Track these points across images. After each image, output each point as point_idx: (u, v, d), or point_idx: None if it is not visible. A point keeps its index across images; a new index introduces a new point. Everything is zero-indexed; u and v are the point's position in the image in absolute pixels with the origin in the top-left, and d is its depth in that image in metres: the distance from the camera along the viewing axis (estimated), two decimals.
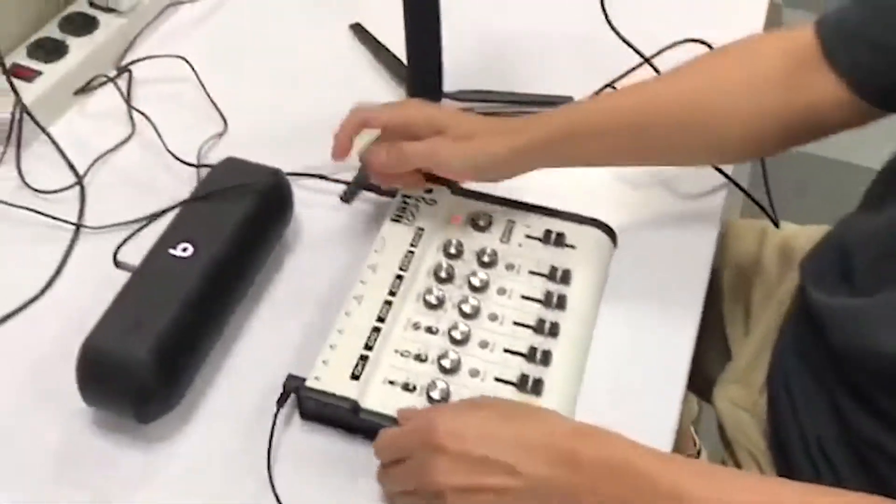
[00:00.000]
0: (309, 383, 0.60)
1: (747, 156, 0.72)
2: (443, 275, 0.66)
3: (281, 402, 0.60)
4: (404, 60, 0.81)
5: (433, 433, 0.52)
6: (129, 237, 0.68)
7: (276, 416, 0.60)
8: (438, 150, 0.65)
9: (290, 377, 0.61)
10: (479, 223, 0.70)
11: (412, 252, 0.68)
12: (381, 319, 0.63)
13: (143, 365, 0.57)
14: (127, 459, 0.60)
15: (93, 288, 0.65)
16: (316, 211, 0.75)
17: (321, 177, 0.76)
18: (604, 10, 0.78)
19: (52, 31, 0.87)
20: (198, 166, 0.78)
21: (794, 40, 0.64)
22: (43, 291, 0.70)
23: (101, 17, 0.88)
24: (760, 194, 0.79)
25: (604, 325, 0.67)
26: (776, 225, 0.80)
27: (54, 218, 0.74)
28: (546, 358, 0.62)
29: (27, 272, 0.71)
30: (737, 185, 0.77)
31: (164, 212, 0.70)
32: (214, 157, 0.78)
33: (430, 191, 0.72)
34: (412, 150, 0.66)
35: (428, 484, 0.52)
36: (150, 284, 0.62)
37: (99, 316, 0.60)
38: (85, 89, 0.85)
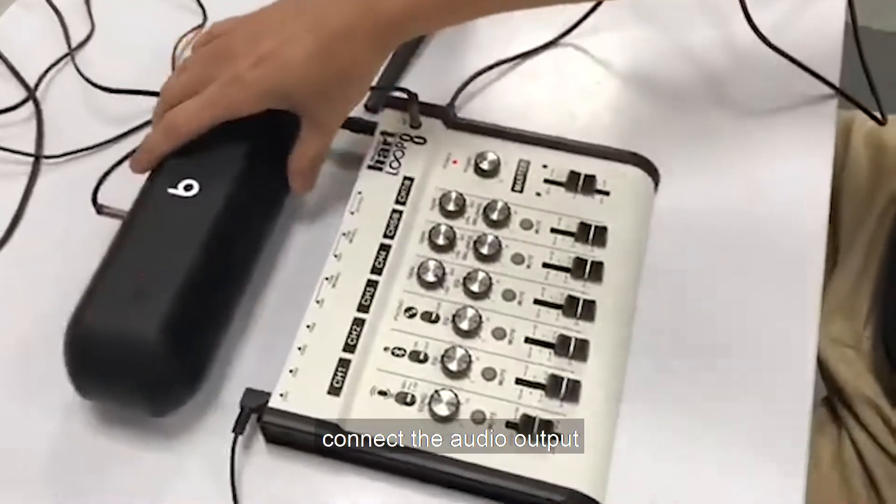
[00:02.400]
0: (273, 403, 0.46)
1: None
2: (441, 241, 0.51)
3: (239, 428, 0.46)
4: None
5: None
6: (111, 170, 0.53)
7: (234, 444, 0.46)
8: (234, 99, 0.49)
9: (249, 393, 0.46)
10: (483, 167, 0.54)
11: (399, 212, 0.52)
12: (363, 308, 0.49)
13: (155, 346, 0.44)
14: (139, 459, 0.48)
15: (64, 238, 0.54)
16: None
17: None
18: None
19: None
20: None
21: None
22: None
23: None
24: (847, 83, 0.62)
25: (647, 298, 0.52)
26: (882, 121, 0.63)
27: (3, 149, 0.58)
28: (581, 350, 0.48)
29: None
30: (831, 85, 0.61)
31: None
32: None
33: (417, 125, 0.56)
34: (194, 123, 0.49)
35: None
36: (148, 237, 0.48)
37: (83, 279, 0.46)
38: None
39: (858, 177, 0.69)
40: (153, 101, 0.60)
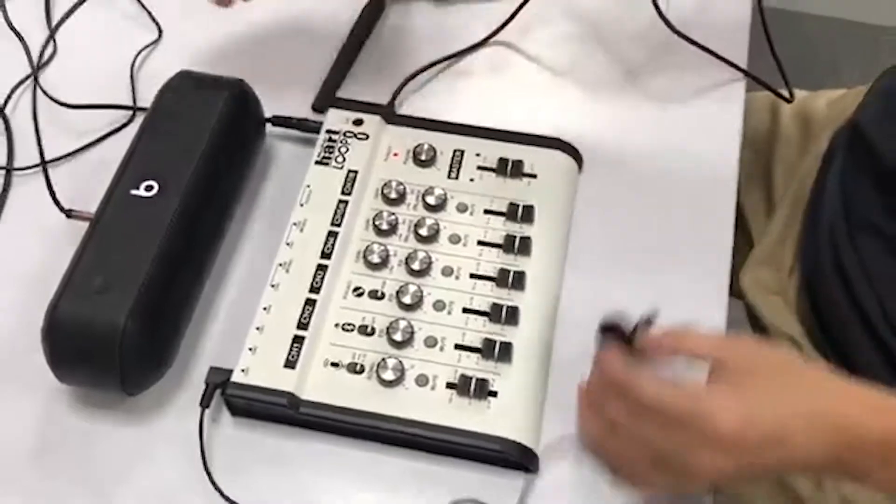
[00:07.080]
0: (235, 378, 0.50)
1: None
2: (384, 226, 0.56)
3: (205, 402, 0.51)
4: None
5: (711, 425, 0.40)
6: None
7: (202, 417, 0.51)
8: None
9: (213, 370, 0.51)
10: (421, 157, 0.59)
11: (345, 202, 0.57)
12: (315, 289, 0.53)
13: (123, 331, 0.49)
14: (116, 437, 0.52)
15: (41, 244, 0.59)
16: (285, 130, 0.63)
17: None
18: None
19: None
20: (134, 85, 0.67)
21: None
22: None
23: None
24: (761, 66, 0.68)
25: (573, 271, 0.57)
26: (789, 99, 0.69)
27: None
28: (513, 316, 0.53)
29: None
30: (738, 68, 0.66)
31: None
32: (151, 71, 0.68)
33: (359, 122, 0.61)
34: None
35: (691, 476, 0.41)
36: (114, 234, 0.53)
37: (58, 276, 0.51)
38: None
39: (789, 145, 0.74)
40: (113, 114, 0.65)
